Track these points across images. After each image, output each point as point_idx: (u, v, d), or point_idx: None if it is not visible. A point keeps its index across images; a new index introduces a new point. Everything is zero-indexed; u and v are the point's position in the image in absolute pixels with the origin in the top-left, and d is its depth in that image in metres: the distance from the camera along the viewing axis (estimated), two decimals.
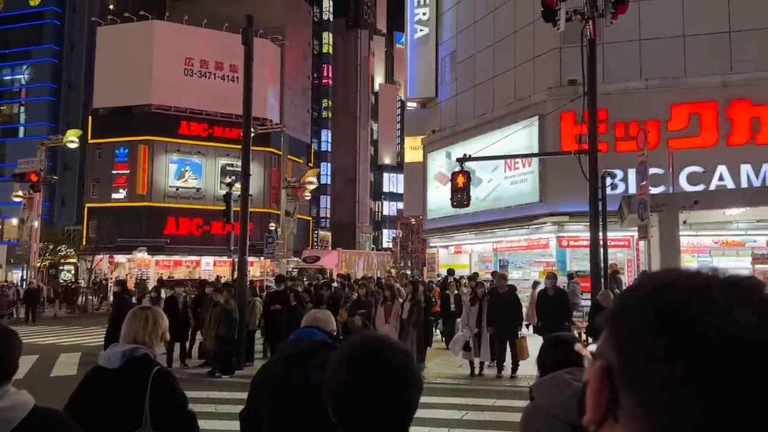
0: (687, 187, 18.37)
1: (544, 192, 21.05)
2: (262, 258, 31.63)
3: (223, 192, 24.06)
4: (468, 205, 14.41)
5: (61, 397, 2.88)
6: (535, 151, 20.69)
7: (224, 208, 21.50)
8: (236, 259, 14.33)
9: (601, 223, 12.77)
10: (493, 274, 13.59)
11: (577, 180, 13.09)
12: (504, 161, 21.73)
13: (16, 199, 29.60)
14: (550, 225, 20.95)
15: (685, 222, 14.02)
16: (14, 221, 41.16)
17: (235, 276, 14.88)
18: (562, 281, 15.20)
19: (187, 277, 33.48)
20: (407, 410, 1.35)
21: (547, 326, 10.71)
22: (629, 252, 19.97)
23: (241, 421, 2.96)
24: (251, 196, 13.71)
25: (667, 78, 19.54)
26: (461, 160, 14.39)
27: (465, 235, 25.64)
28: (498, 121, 23.24)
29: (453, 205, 14.37)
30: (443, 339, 14.56)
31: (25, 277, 32.82)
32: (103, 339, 13.05)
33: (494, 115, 23.72)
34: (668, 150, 16.54)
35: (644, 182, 12.27)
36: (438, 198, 25.63)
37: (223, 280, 22.02)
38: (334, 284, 16.17)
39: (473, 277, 14.76)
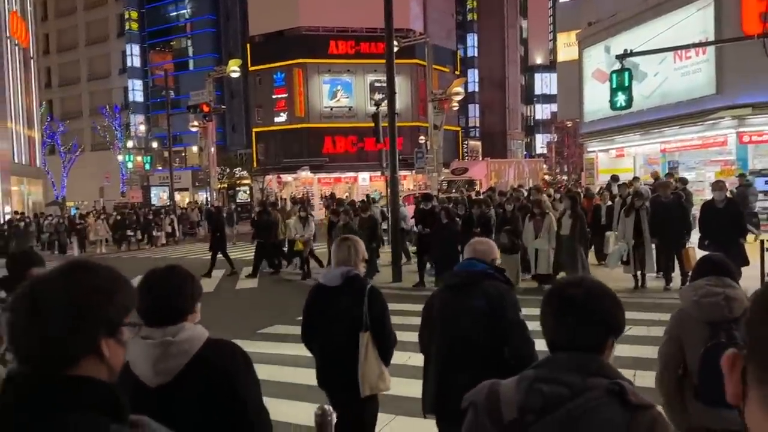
0: None
1: (722, 82, 18.68)
2: (413, 172, 32.09)
3: (374, 108, 24.37)
4: (630, 106, 13.20)
5: (243, 306, 3.20)
6: (711, 36, 18.23)
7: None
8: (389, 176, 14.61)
9: None
10: (655, 183, 12.22)
11: (762, 66, 11.37)
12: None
13: (193, 129, 32.50)
14: (728, 119, 18.68)
15: None
16: (194, 148, 45.53)
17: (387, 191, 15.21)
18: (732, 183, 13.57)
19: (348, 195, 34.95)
20: (592, 346, 1.58)
21: (715, 245, 8.68)
22: None
23: (420, 342, 3.47)
24: (398, 114, 13.69)
25: None
26: (621, 56, 13.06)
27: (628, 136, 23.79)
28: (665, 5, 20.66)
29: (612, 108, 13.25)
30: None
31: (208, 198, 36.54)
32: None
33: None
34: None
35: None
36: (596, 98, 23.83)
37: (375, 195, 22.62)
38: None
39: (630, 183, 13.44)
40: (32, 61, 41.78)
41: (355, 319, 3.54)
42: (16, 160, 35.88)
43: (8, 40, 35.30)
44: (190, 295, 2.03)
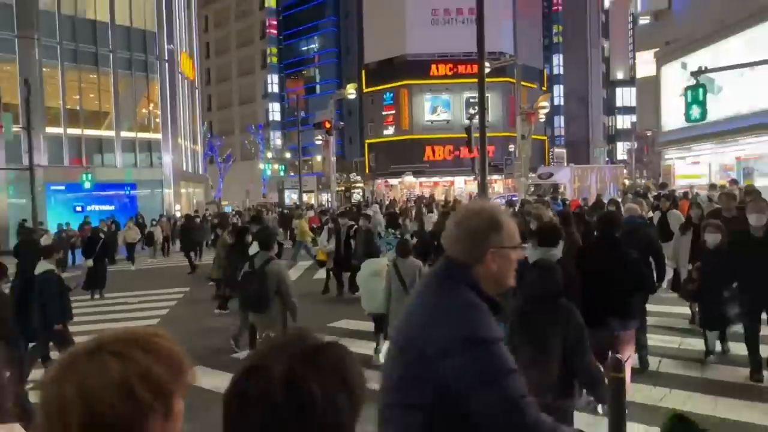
0: None
1: None
2: (503, 176, 31.51)
3: (468, 122, 24.24)
4: (704, 119, 12.26)
5: None
6: None
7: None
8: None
9: None
10: (720, 195, 8.59)
11: None
12: None
13: (317, 142, 33.94)
14: None
15: None
16: (318, 158, 47.43)
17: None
18: None
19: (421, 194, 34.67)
20: None
21: (748, 295, 5.28)
22: None
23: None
24: (489, 127, 13.59)
25: None
26: (696, 73, 12.18)
27: (704, 145, 21.98)
28: (742, 23, 18.87)
29: (687, 120, 12.39)
30: None
31: (329, 199, 37.93)
32: None
33: (737, 17, 19.28)
34: None
35: None
36: (673, 110, 22.25)
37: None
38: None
39: (686, 194, 10.48)
40: (197, 90, 45.40)
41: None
42: (184, 169, 39.23)
43: (179, 75, 38.65)
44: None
